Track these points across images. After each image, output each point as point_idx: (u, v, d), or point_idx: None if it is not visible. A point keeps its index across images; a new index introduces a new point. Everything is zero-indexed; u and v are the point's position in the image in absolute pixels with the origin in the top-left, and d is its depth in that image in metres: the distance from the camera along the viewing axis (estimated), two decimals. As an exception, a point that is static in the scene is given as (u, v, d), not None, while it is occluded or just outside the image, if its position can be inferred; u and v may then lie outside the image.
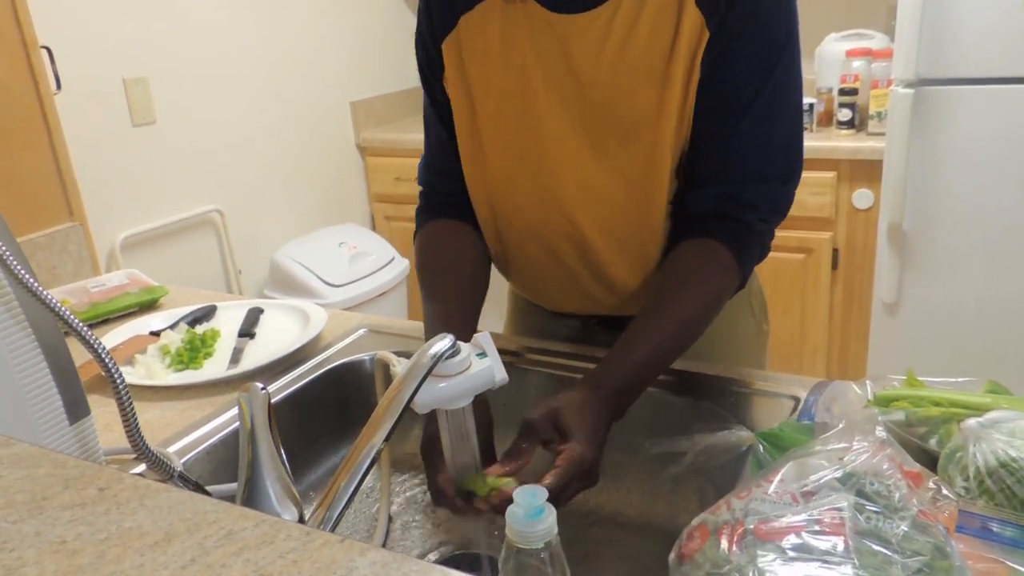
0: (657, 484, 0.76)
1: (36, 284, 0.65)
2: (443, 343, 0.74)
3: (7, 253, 0.64)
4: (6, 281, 0.69)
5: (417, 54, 1.01)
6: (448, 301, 0.94)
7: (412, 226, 2.89)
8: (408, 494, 1.00)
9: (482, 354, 0.78)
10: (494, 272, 1.06)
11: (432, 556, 0.88)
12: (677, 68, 0.84)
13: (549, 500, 0.65)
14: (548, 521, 0.52)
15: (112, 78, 2.12)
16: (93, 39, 2.06)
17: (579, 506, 0.92)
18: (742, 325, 1.08)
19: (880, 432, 0.53)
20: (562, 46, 0.88)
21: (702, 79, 0.84)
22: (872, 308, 2.21)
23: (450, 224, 1.02)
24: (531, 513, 0.52)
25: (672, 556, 0.51)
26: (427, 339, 0.78)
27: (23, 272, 0.64)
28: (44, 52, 1.48)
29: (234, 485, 0.76)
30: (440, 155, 1.03)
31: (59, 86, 1.72)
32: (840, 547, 0.44)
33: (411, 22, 3.18)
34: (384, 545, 0.89)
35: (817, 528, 0.46)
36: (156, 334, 1.17)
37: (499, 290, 1.05)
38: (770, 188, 0.89)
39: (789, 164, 0.89)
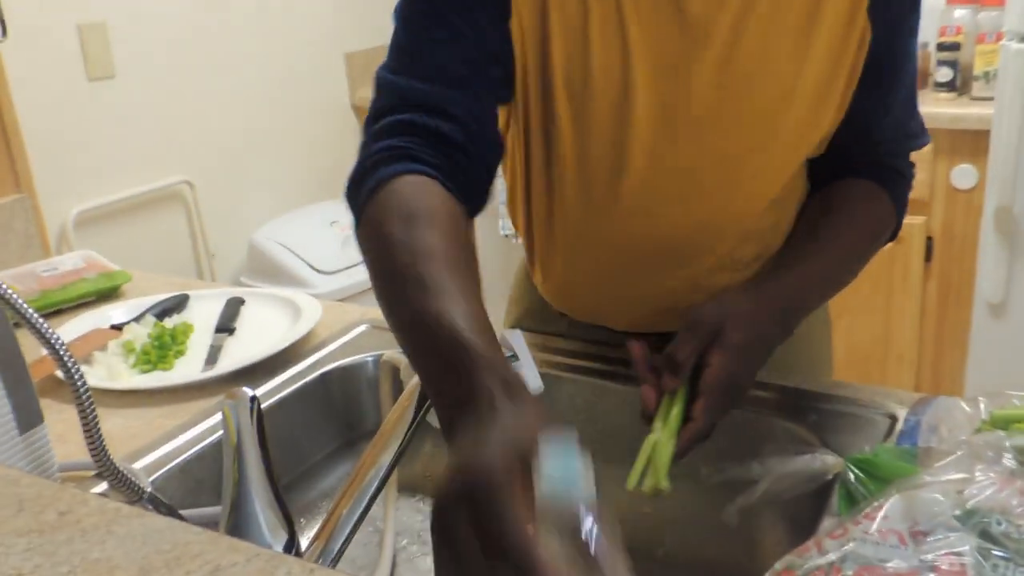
0: (723, 518, 0.75)
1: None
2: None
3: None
4: (-54, 262, 0.69)
5: None
6: (467, 295, 0.68)
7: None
8: (414, 521, 0.99)
9: (512, 357, 0.78)
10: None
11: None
12: (821, 29, 0.84)
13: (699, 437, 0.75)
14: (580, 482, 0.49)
15: (64, 22, 2.13)
16: (42, -25, 2.07)
17: (632, 542, 0.91)
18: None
19: (1008, 461, 0.51)
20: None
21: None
22: (973, 309, 2.19)
23: (416, 180, 0.79)
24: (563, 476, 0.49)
25: (751, 607, 0.50)
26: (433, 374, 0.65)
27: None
28: (-13, -10, 1.48)
29: (214, 510, 0.76)
30: (444, 54, 0.84)
31: (4, 32, 1.73)
32: (963, 601, 0.43)
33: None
34: (390, 583, 0.89)
35: (933, 577, 0.45)
36: (118, 328, 1.17)
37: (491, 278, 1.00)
38: (912, 143, 0.98)
39: (923, 124, 0.99)
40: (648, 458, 0.76)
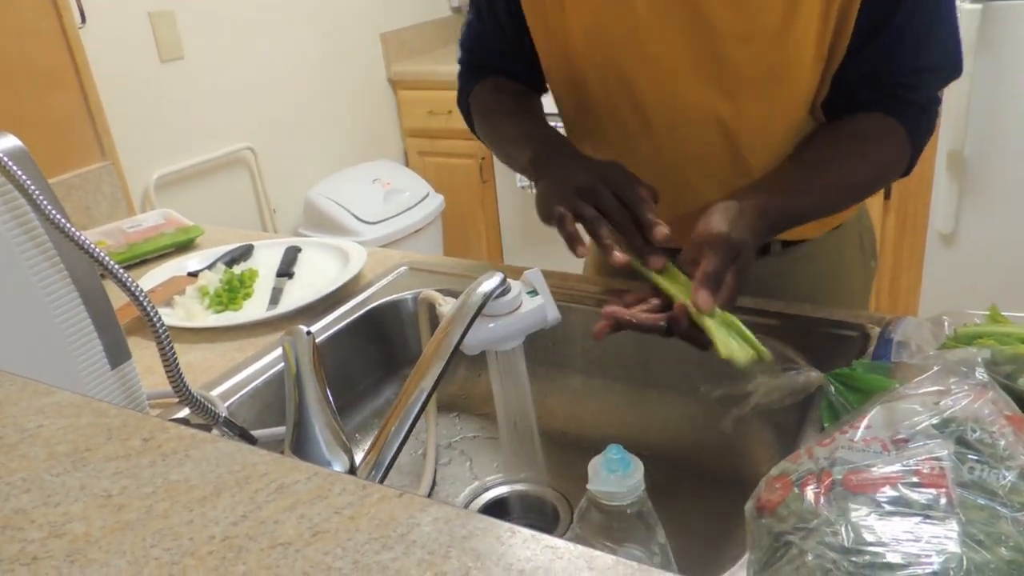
0: (721, 427, 0.73)
1: (70, 226, 0.62)
2: (492, 282, 0.70)
3: (39, 195, 0.62)
4: (39, 224, 0.66)
5: None
6: (535, 117, 0.98)
7: (446, 161, 2.87)
8: (451, 434, 0.98)
9: (533, 292, 0.75)
10: None
11: (487, 496, 0.87)
12: None
13: (711, 283, 0.69)
14: (635, 477, 0.48)
15: (137, 11, 2.07)
16: (116, -29, 2.00)
17: (638, 450, 0.89)
18: (849, 261, 1.03)
19: (980, 375, 0.48)
20: None
21: None
22: (927, 239, 2.13)
23: (506, 79, 1.05)
24: (616, 467, 0.48)
25: (750, 506, 0.48)
26: (516, 151, 0.92)
27: (56, 214, 0.62)
28: (66, -16, 1.43)
29: (280, 429, 0.75)
30: (494, 38, 1.03)
31: (83, 20, 1.68)
32: (943, 501, 0.41)
33: (442, -52, 3.07)
34: (432, 490, 0.88)
35: (915, 480, 0.42)
36: (194, 275, 1.15)
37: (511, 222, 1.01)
38: (937, 76, 0.86)
39: (955, 52, 0.86)
40: (720, 335, 0.68)
